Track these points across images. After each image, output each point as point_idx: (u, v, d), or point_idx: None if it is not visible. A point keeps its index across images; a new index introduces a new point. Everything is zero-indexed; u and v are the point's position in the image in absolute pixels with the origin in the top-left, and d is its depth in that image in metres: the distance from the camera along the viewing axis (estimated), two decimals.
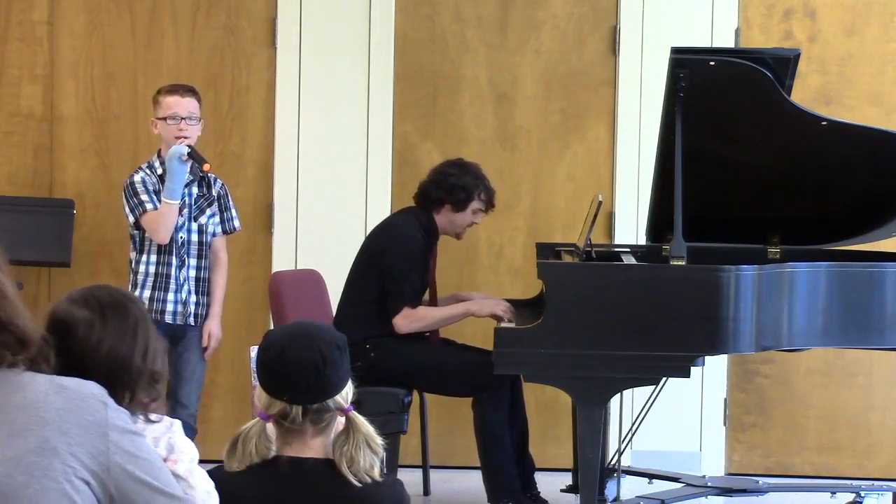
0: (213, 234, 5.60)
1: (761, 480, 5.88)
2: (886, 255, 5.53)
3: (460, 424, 6.19)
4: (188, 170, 5.43)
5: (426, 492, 6.09)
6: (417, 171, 6.56)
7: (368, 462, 2.69)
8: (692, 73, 5.01)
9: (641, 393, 5.65)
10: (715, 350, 4.98)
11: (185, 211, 5.49)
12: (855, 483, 5.89)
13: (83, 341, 2.45)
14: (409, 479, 5.79)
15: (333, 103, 6.55)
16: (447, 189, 5.61)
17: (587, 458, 4.91)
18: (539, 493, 5.59)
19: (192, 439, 5.52)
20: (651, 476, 5.91)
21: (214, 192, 5.61)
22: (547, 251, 5.86)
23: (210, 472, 2.71)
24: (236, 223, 5.69)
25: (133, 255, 5.53)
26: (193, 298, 5.51)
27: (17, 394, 2.11)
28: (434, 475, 6.17)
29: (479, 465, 5.55)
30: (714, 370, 6.37)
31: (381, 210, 6.45)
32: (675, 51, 5.04)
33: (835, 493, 5.70)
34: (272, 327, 5.89)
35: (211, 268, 5.60)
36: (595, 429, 4.90)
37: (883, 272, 5.09)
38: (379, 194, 6.50)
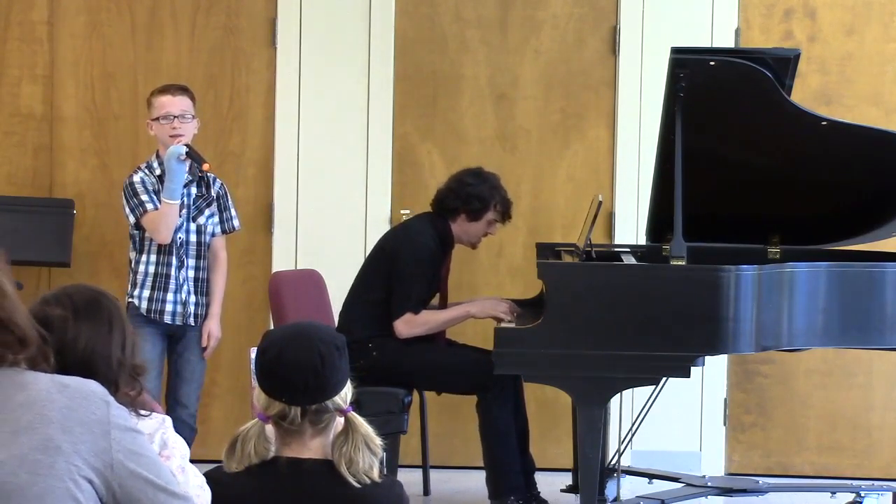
0: (213, 235, 5.60)
1: (761, 480, 5.88)
2: (886, 255, 5.53)
3: (460, 424, 6.19)
4: (187, 169, 5.42)
5: (426, 492, 6.09)
6: (417, 171, 6.57)
7: (367, 463, 2.68)
8: (692, 73, 5.01)
9: (641, 393, 5.65)
10: (715, 350, 4.98)
11: (184, 211, 5.49)
12: (855, 483, 5.89)
13: (59, 339, 2.45)
14: (409, 479, 5.80)
15: (333, 103, 6.55)
16: (464, 198, 5.61)
17: (587, 458, 4.91)
18: (539, 493, 5.58)
19: (192, 439, 5.53)
20: (651, 476, 5.91)
21: (213, 193, 5.61)
22: (547, 251, 5.87)
23: (209, 473, 2.72)
24: (236, 223, 5.69)
25: (133, 254, 5.53)
26: (193, 298, 5.51)
27: (20, 392, 2.11)
28: (434, 475, 6.17)
29: (479, 464, 5.55)
30: (714, 370, 6.37)
31: (381, 210, 6.45)
32: (675, 51, 5.04)
33: (835, 493, 5.70)
34: (272, 327, 5.90)
35: (210, 268, 5.60)
36: (595, 429, 4.90)
37: (883, 272, 5.09)
38: (379, 194, 6.50)
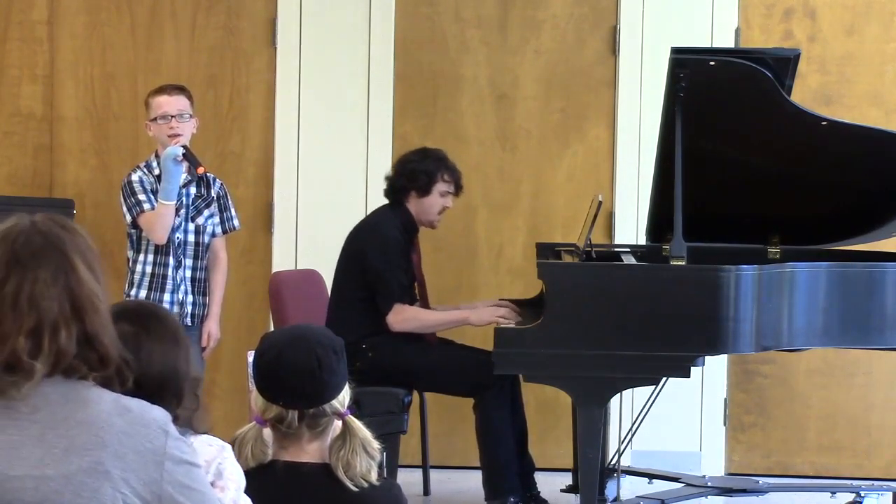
0: (213, 235, 5.60)
1: (761, 480, 5.89)
2: (886, 255, 5.53)
3: (460, 424, 6.19)
4: (184, 170, 5.42)
5: (426, 492, 6.09)
6: None
7: (365, 467, 2.68)
8: (692, 73, 5.01)
9: (641, 393, 5.65)
10: (715, 350, 4.98)
11: (183, 211, 5.49)
12: (855, 483, 5.89)
13: (134, 357, 2.46)
14: (409, 479, 5.81)
15: (333, 103, 6.55)
16: (409, 176, 5.62)
17: (587, 458, 4.92)
18: (539, 492, 5.58)
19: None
20: (651, 476, 5.91)
21: (213, 193, 5.61)
22: (547, 251, 5.86)
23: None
24: (236, 222, 5.69)
25: (130, 254, 5.53)
26: (190, 299, 5.50)
27: (81, 410, 2.09)
28: (434, 475, 6.17)
29: (478, 465, 5.55)
30: (714, 370, 6.37)
31: None
32: (675, 51, 5.04)
33: (835, 493, 5.70)
34: (272, 328, 5.90)
35: (210, 268, 5.60)
36: (595, 429, 4.90)
37: (883, 272, 5.09)
38: (379, 194, 6.46)
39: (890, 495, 5.61)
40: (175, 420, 2.52)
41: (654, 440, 6.35)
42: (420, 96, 6.63)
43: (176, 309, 5.46)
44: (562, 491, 5.82)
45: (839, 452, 6.60)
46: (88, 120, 6.61)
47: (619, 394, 5.34)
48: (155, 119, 5.48)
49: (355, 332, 5.40)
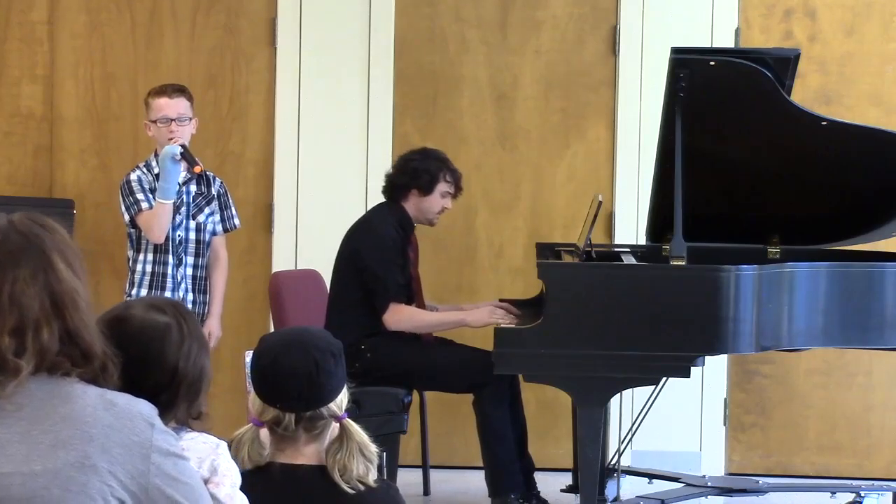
0: (213, 233, 5.60)
1: (761, 480, 5.88)
2: (886, 255, 5.53)
3: (460, 424, 6.19)
4: (182, 169, 5.42)
5: (426, 492, 6.09)
6: None
7: (362, 470, 2.67)
8: (692, 73, 5.01)
9: (641, 393, 5.65)
10: (715, 350, 4.98)
11: (183, 209, 5.49)
12: (855, 483, 5.89)
13: (176, 349, 2.46)
14: (409, 479, 5.81)
15: (333, 103, 6.55)
16: (411, 174, 5.62)
17: (587, 458, 4.92)
18: (539, 492, 5.58)
19: None
20: (651, 476, 5.91)
21: (214, 191, 5.61)
22: (547, 251, 5.86)
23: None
24: (236, 221, 5.69)
25: (130, 253, 5.53)
26: (191, 297, 5.51)
27: (66, 405, 2.09)
28: (434, 475, 6.17)
29: (479, 465, 5.55)
30: (714, 370, 6.37)
31: None
32: (676, 51, 5.04)
33: (835, 493, 5.69)
34: (272, 328, 5.90)
35: (211, 266, 5.60)
36: (595, 429, 4.90)
37: (883, 272, 5.09)
38: (379, 194, 6.48)
39: (890, 495, 5.61)
40: (198, 417, 2.54)
41: (654, 440, 6.35)
42: (420, 96, 6.63)
43: None
44: (562, 491, 5.82)
45: (839, 452, 6.60)
46: (88, 120, 6.60)
47: (619, 394, 5.34)
48: (155, 120, 5.48)
49: (354, 333, 5.40)
